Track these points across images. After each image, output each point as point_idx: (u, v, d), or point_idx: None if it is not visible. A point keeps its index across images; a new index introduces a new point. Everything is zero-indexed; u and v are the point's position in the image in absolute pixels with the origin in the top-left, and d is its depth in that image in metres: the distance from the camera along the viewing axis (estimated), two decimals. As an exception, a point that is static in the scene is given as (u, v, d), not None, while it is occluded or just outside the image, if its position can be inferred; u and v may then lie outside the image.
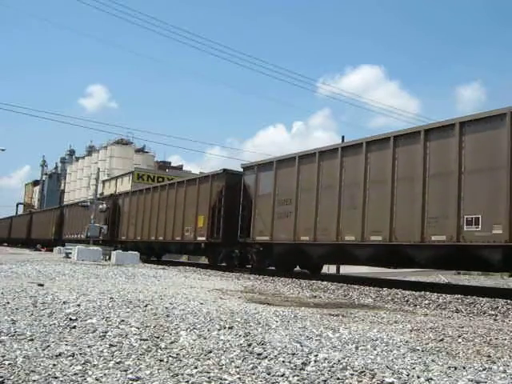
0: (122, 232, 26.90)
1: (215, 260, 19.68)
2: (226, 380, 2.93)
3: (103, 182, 58.30)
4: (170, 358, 3.35)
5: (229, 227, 18.01)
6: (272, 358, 3.44)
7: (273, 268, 17.43)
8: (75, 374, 2.89)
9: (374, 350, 3.93)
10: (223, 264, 19.12)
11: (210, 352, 3.56)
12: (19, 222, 53.86)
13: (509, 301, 8.60)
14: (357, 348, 3.96)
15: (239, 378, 2.98)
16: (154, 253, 25.30)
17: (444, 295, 9.52)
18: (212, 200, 19.16)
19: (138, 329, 4.24)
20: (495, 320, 6.81)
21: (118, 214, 27.55)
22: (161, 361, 3.28)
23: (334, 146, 14.41)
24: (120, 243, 26.48)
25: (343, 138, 27.11)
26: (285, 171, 15.75)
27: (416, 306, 8.39)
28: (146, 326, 4.36)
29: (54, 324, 4.27)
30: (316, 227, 14.12)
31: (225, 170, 19.16)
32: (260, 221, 16.54)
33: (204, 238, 19.32)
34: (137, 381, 2.83)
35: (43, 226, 42.33)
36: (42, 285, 7.46)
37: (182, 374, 2.98)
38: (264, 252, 16.43)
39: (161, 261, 25.00)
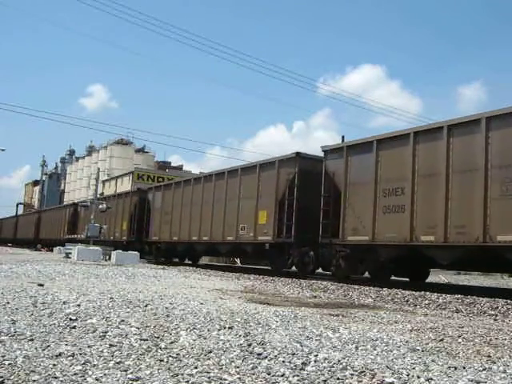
0: (153, 232, 23.73)
1: (283, 264, 16.08)
2: (225, 380, 2.93)
3: (103, 181, 58.27)
4: (170, 358, 3.35)
5: (303, 224, 15.10)
6: (272, 358, 3.44)
7: (367, 276, 14.73)
8: (75, 374, 2.89)
9: (374, 349, 3.93)
10: (293, 269, 16.08)
11: (210, 352, 3.56)
12: (26, 220, 51.04)
13: (509, 301, 8.60)
14: (357, 348, 3.96)
15: (239, 378, 2.98)
16: (193, 255, 24.15)
17: (444, 295, 9.52)
18: (279, 191, 15.91)
19: (138, 329, 4.24)
20: (495, 320, 6.81)
21: (148, 211, 24.55)
22: (161, 361, 3.28)
23: (476, 116, 10.79)
24: (149, 244, 24.19)
25: (343, 138, 27.03)
26: (392, 152, 12.42)
27: (416, 305, 8.39)
28: (146, 326, 4.36)
29: (54, 324, 4.27)
30: (446, 223, 10.77)
31: (298, 153, 15.71)
32: (353, 216, 13.26)
33: (269, 238, 16.04)
34: (137, 381, 2.83)
35: (54, 224, 39.71)
36: (42, 285, 7.46)
37: (182, 374, 2.98)
38: (357, 256, 13.42)
39: (198, 265, 22.71)
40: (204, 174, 22.20)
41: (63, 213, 38.69)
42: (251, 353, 3.57)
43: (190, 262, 24.22)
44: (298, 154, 15.53)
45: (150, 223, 24.04)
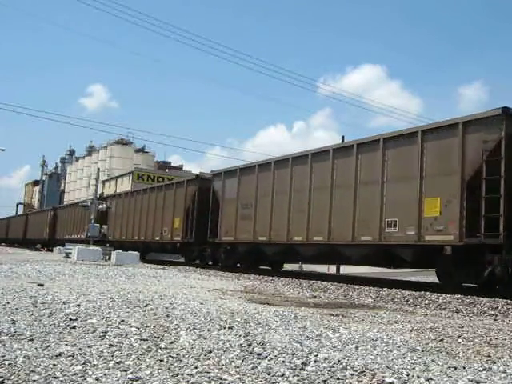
0: (223, 231, 19.62)
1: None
2: (225, 380, 2.93)
3: (103, 181, 58.28)
4: (170, 358, 3.35)
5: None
6: (272, 358, 3.44)
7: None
8: (75, 374, 2.89)
9: (374, 349, 3.93)
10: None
11: (210, 352, 3.56)
12: (38, 219, 47.96)
13: (509, 301, 8.60)
14: (357, 348, 3.96)
15: (239, 378, 2.98)
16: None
17: (444, 295, 9.52)
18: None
19: (138, 329, 4.24)
20: (495, 320, 6.82)
21: (214, 204, 20.52)
22: (161, 361, 3.28)
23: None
24: (216, 246, 19.77)
25: (343, 138, 27.10)
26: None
27: (416, 306, 8.40)
28: (146, 326, 4.36)
29: (54, 324, 4.27)
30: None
31: (198, 175, 22.01)
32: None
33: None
34: (137, 381, 2.83)
35: (72, 224, 36.94)
36: (42, 285, 7.46)
37: (182, 374, 2.98)
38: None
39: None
40: (314, 149, 15.36)
41: (80, 211, 33.38)
42: (251, 353, 3.57)
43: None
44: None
45: (220, 219, 18.59)
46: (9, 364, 3.00)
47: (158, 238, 22.96)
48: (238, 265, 18.61)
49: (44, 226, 42.31)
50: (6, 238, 57.70)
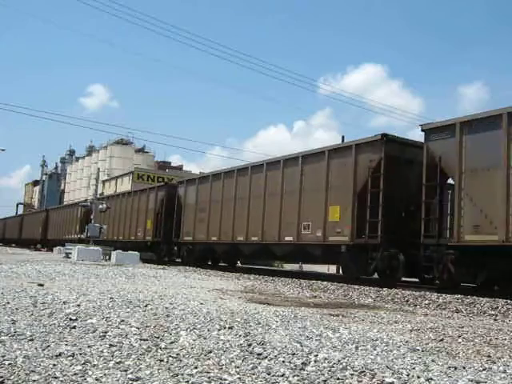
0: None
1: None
2: (225, 380, 2.93)
3: (103, 181, 58.28)
4: (170, 358, 3.35)
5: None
6: (272, 358, 3.44)
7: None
8: (75, 374, 2.89)
9: (374, 350, 3.93)
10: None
11: (210, 352, 3.56)
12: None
13: (509, 301, 8.61)
14: (357, 348, 3.96)
15: (239, 378, 2.98)
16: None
17: (444, 295, 9.52)
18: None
19: (138, 329, 4.24)
20: (495, 320, 6.82)
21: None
22: (161, 361, 3.28)
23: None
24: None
25: (343, 138, 27.13)
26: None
27: (416, 306, 8.40)
28: (146, 326, 4.36)
29: (54, 324, 4.27)
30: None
31: (166, 183, 25.77)
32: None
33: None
34: (137, 381, 2.83)
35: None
36: (42, 285, 7.46)
37: (182, 374, 2.98)
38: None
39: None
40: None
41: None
42: (251, 353, 3.57)
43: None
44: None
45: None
46: (9, 364, 3.00)
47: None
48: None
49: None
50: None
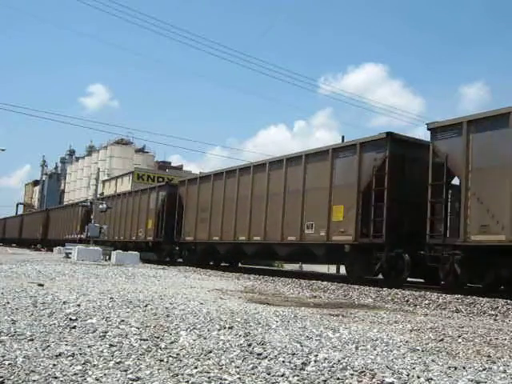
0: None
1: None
2: (226, 380, 2.93)
3: (103, 181, 58.28)
4: (170, 358, 3.35)
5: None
6: (272, 358, 3.44)
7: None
8: (75, 374, 2.89)
9: (374, 350, 3.93)
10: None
11: (210, 352, 3.56)
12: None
13: (509, 301, 8.61)
14: (357, 348, 3.96)
15: (239, 378, 2.98)
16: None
17: (444, 295, 9.52)
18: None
19: (138, 329, 4.24)
20: (495, 320, 6.82)
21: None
22: (161, 361, 3.28)
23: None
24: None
25: (343, 138, 27.10)
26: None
27: (416, 306, 8.40)
28: (146, 326, 4.36)
29: (54, 324, 4.27)
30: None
31: (167, 182, 24.72)
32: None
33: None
34: (137, 381, 2.83)
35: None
36: (42, 285, 7.46)
37: (182, 374, 2.98)
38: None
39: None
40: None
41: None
42: (251, 353, 3.57)
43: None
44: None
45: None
46: (9, 364, 3.00)
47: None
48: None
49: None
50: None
